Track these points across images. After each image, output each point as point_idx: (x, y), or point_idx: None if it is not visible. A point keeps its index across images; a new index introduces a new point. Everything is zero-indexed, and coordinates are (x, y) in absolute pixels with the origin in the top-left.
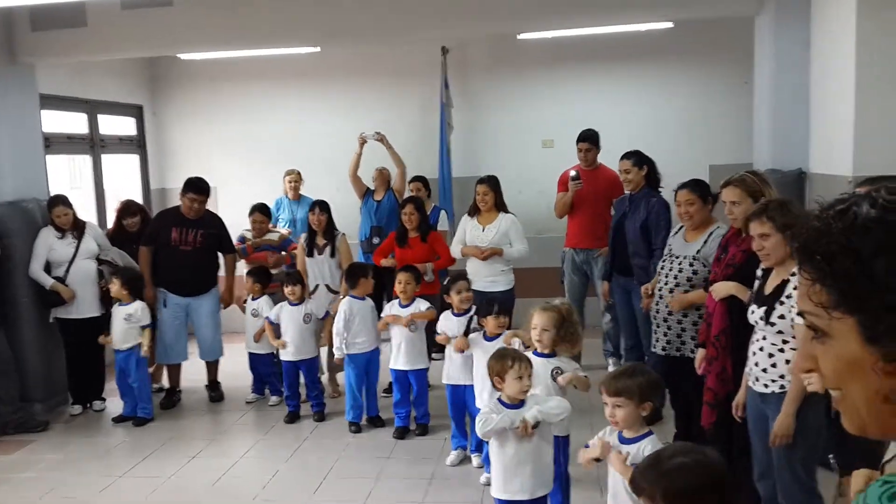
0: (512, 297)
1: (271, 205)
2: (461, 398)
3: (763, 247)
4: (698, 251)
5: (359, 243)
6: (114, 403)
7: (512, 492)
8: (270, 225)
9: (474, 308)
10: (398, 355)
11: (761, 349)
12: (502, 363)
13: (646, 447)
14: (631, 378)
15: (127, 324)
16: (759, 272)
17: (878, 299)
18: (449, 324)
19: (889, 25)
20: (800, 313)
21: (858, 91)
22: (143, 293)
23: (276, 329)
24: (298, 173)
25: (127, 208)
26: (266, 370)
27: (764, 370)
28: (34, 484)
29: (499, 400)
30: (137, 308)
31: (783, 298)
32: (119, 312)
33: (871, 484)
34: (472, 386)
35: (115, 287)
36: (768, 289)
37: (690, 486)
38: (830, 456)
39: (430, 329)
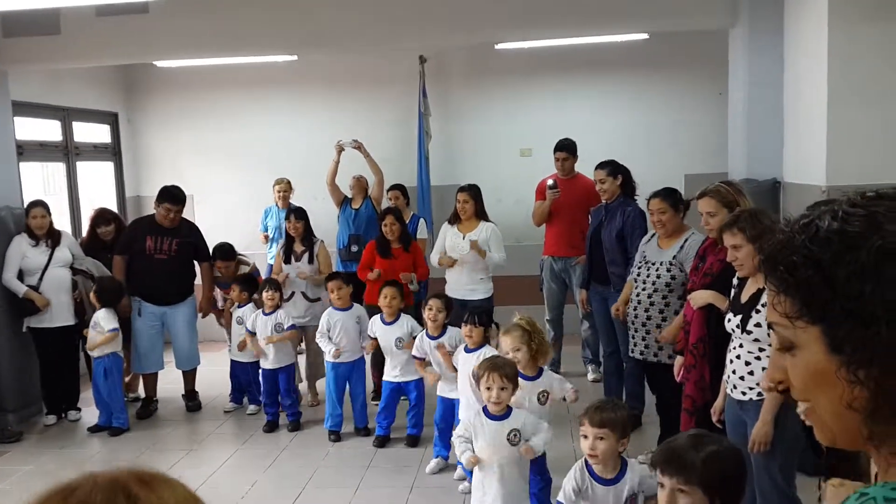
0: (490, 305)
1: (260, 213)
2: (452, 411)
3: (736, 257)
4: (675, 256)
5: (337, 251)
6: (90, 413)
7: None
8: (267, 244)
9: (448, 329)
10: (394, 367)
11: (738, 357)
12: (478, 372)
13: (627, 484)
14: (614, 412)
15: (93, 331)
16: (735, 281)
17: (838, 307)
18: (422, 345)
19: (860, 38)
20: (769, 326)
21: (831, 102)
22: (115, 303)
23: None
24: (288, 182)
25: (101, 216)
26: (247, 378)
27: (741, 378)
28: (7, 496)
29: (483, 410)
30: (99, 315)
31: (759, 307)
32: (92, 320)
33: (848, 497)
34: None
35: (93, 296)
36: (744, 297)
37: (727, 472)
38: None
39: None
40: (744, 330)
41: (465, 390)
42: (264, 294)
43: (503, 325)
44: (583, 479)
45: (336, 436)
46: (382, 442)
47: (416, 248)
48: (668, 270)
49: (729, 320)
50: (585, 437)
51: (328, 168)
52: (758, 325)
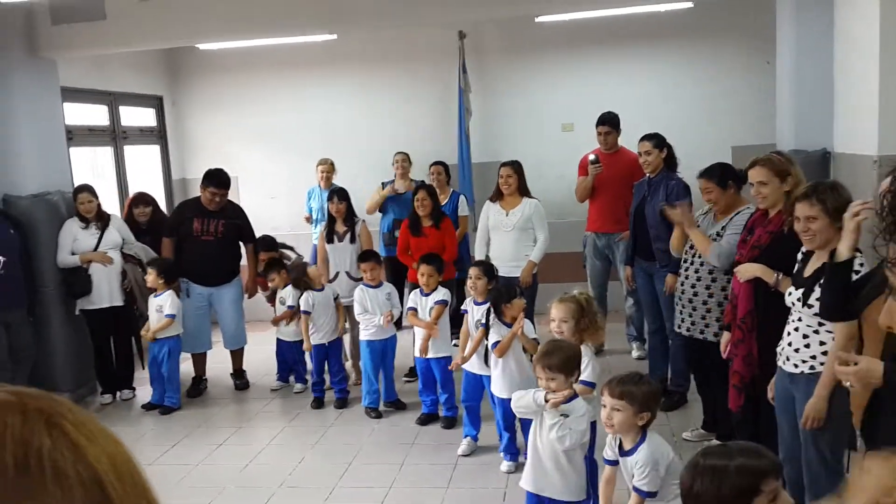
0: (535, 282)
1: (303, 193)
2: (479, 386)
3: (809, 228)
4: (723, 227)
5: (380, 235)
6: (144, 392)
7: (539, 487)
8: (311, 225)
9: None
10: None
11: (796, 330)
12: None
13: (641, 454)
14: (635, 385)
15: (158, 315)
16: (799, 255)
17: None
18: (472, 312)
19: None
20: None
21: (883, 69)
22: (175, 278)
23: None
24: (331, 163)
25: (140, 198)
26: (293, 357)
27: (796, 350)
28: None
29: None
30: (165, 298)
31: (821, 282)
32: (153, 304)
33: None
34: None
35: (151, 277)
36: (808, 271)
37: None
38: (858, 432)
39: (453, 315)
40: (805, 304)
41: (498, 365)
42: (309, 270)
43: (559, 295)
44: (611, 448)
45: (376, 413)
46: (426, 420)
47: (449, 226)
48: None
49: (790, 293)
50: (604, 406)
51: (371, 198)
52: (819, 299)
